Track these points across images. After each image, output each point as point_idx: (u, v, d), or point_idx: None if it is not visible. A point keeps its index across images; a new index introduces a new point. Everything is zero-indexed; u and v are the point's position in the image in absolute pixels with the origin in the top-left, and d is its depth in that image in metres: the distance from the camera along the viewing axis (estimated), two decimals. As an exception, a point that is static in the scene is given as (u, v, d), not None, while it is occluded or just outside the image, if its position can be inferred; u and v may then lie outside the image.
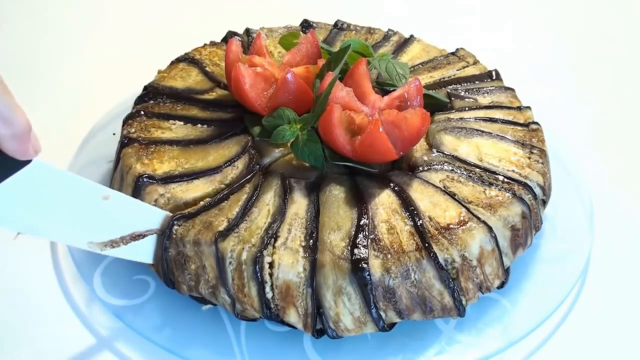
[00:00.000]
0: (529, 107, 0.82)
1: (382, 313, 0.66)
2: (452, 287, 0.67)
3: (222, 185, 0.73)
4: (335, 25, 0.96)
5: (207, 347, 0.68)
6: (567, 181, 0.84)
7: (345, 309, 0.65)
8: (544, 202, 0.76)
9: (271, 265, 0.65)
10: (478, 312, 0.72)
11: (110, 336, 0.70)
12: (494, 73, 0.87)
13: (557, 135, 0.88)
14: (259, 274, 0.65)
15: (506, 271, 0.72)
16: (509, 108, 0.82)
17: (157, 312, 0.71)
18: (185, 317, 0.70)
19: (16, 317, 0.72)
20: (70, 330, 0.70)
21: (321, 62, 0.79)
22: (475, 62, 0.90)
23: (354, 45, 0.82)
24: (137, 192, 0.72)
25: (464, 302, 0.68)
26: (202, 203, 0.70)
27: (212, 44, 0.93)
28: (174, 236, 0.68)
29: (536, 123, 0.80)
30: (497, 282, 0.70)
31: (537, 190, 0.74)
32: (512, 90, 0.86)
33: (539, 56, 1.15)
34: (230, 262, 0.66)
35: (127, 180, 0.74)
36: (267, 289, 0.65)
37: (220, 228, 0.68)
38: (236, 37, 0.92)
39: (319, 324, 0.66)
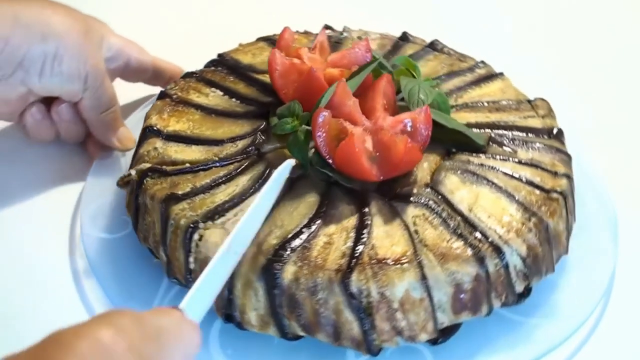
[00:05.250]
0: (566, 176, 0.74)
1: (285, 321, 0.65)
2: (362, 319, 0.64)
3: (215, 158, 0.75)
4: (431, 44, 0.93)
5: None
6: (589, 190, 0.82)
7: (251, 303, 0.65)
8: (526, 276, 0.69)
9: (200, 238, 0.67)
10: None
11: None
12: (554, 131, 0.80)
13: (582, 143, 0.86)
14: (187, 243, 0.67)
15: (445, 330, 0.67)
16: (544, 170, 0.75)
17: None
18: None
19: (30, 316, 0.72)
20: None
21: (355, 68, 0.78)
22: (545, 116, 0.82)
23: (401, 62, 0.80)
24: (141, 139, 0.78)
25: (376, 341, 0.65)
26: (187, 166, 0.74)
27: (306, 32, 0.95)
28: (143, 186, 0.72)
29: (560, 193, 0.72)
30: (424, 336, 0.66)
31: (513, 259, 0.67)
32: (565, 154, 0.78)
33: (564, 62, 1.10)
34: (171, 224, 0.69)
35: (143, 126, 0.79)
36: (191, 259, 0.68)
37: (181, 192, 0.71)
38: (328, 30, 0.93)
39: (229, 310, 0.67)
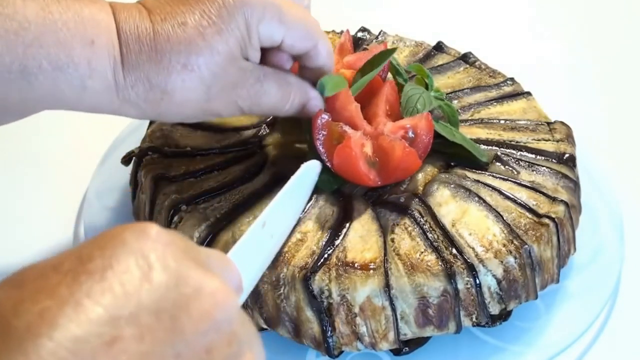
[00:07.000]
0: (563, 202, 0.72)
1: (248, 312, 0.66)
2: (322, 320, 0.64)
3: (216, 145, 0.77)
4: (464, 56, 0.91)
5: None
6: (592, 191, 0.82)
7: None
8: (502, 298, 0.67)
9: (180, 220, 0.69)
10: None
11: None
12: (565, 156, 0.77)
13: (586, 142, 0.85)
14: (168, 224, 0.69)
15: (410, 342, 0.66)
16: (544, 194, 0.73)
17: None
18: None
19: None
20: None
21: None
22: (561, 140, 0.80)
23: (414, 70, 0.79)
24: (151, 122, 0.80)
25: (336, 343, 0.65)
26: (186, 149, 0.76)
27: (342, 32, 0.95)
28: (142, 164, 0.75)
29: (553, 220, 0.70)
30: (385, 345, 0.65)
31: (487, 280, 0.66)
32: (572, 182, 0.75)
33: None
34: (157, 204, 0.71)
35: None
36: (170, 239, 0.69)
37: (173, 174, 0.73)
38: (363, 33, 0.94)
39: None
